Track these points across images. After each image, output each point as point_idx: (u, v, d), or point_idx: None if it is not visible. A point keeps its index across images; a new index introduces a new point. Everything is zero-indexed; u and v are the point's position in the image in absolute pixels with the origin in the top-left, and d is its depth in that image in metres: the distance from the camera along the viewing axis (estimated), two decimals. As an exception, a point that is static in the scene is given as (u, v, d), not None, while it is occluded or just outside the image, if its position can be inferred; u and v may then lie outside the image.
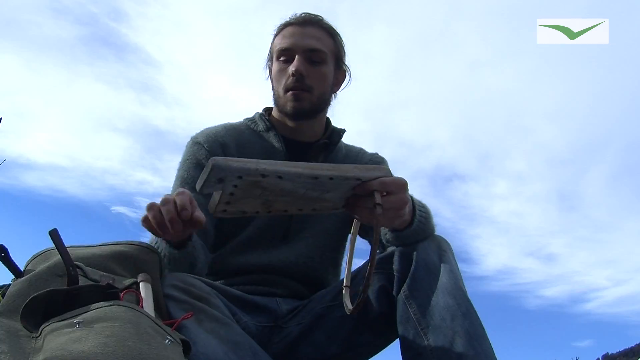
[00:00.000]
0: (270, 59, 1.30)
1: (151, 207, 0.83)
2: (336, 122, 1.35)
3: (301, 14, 1.25)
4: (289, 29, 1.24)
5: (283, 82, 1.21)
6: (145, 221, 0.84)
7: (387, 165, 1.35)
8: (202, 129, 1.28)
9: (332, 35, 1.27)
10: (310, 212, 0.87)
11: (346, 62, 1.32)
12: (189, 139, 1.26)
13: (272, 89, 1.28)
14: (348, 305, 0.89)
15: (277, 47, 1.24)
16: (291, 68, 1.19)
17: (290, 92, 1.20)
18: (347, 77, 1.33)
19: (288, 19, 1.26)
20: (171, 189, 1.20)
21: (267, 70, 1.32)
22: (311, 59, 1.21)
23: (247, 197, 0.77)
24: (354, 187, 0.81)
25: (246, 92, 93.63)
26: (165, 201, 0.83)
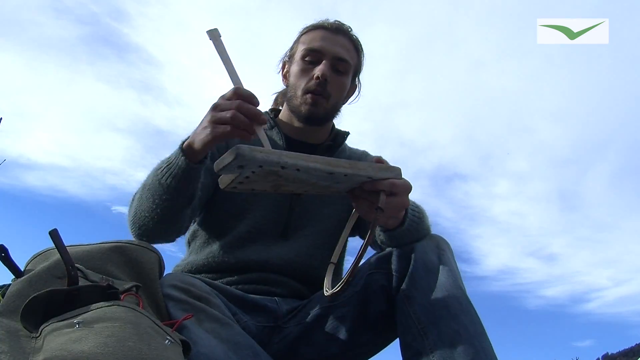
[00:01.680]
0: (289, 55, 1.30)
1: (220, 106, 0.88)
2: (337, 122, 1.36)
3: (334, 21, 1.27)
4: (320, 32, 1.25)
5: (304, 82, 1.22)
6: (217, 122, 0.87)
7: None
8: None
9: (357, 49, 1.29)
10: (314, 193, 0.90)
11: (360, 78, 1.34)
12: None
13: (287, 86, 1.29)
14: (328, 285, 0.90)
15: (304, 46, 1.24)
16: (318, 72, 1.19)
17: (310, 94, 1.21)
18: (357, 92, 1.36)
19: (319, 22, 1.27)
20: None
21: (281, 66, 1.33)
22: (336, 67, 1.23)
23: (261, 180, 0.80)
24: (364, 182, 0.84)
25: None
26: (230, 96, 0.88)
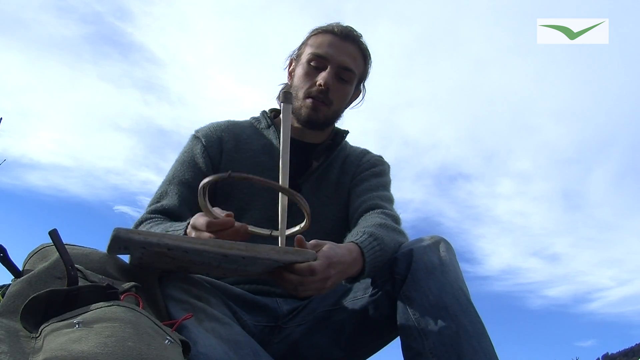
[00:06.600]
0: (297, 55, 1.31)
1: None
2: (341, 122, 1.37)
3: (345, 27, 1.26)
4: (328, 37, 1.24)
5: (306, 87, 1.23)
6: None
7: (387, 169, 1.35)
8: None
9: (364, 58, 1.29)
10: (235, 276, 0.88)
11: (365, 85, 1.34)
12: (193, 131, 1.30)
13: (291, 85, 1.29)
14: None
15: (311, 50, 1.24)
16: (320, 79, 1.20)
17: (311, 99, 1.22)
18: (360, 98, 1.36)
19: (330, 26, 1.26)
20: (167, 172, 1.24)
21: (288, 62, 1.34)
22: (340, 76, 1.23)
23: (158, 261, 0.78)
24: (275, 267, 0.81)
25: (250, 90, 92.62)
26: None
